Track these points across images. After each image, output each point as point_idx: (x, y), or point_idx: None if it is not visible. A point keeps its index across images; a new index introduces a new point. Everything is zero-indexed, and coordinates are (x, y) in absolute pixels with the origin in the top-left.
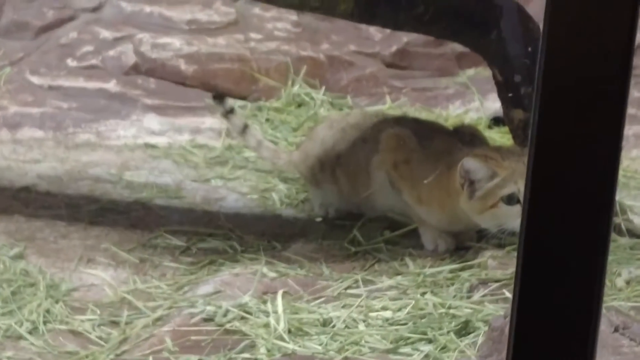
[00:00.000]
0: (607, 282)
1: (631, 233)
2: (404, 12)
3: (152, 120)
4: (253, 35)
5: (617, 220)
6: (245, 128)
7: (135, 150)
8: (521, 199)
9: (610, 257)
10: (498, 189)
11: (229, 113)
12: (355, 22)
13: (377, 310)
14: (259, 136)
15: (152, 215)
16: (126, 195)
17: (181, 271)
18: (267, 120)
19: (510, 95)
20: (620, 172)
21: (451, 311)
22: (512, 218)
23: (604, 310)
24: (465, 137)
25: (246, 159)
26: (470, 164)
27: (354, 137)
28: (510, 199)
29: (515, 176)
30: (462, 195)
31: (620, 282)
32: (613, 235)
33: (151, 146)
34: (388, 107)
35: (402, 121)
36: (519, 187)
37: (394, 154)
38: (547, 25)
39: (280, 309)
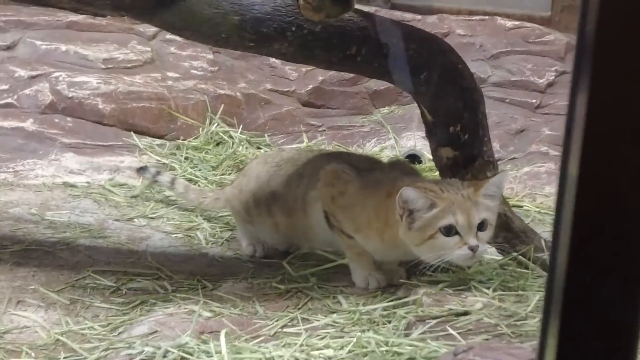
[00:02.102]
0: None
1: None
2: (337, 53)
3: (71, 160)
4: (170, 73)
5: (543, 256)
6: (173, 181)
7: (54, 189)
8: (459, 230)
9: (541, 293)
10: (436, 219)
11: (155, 178)
12: (289, 62)
13: (319, 349)
14: (184, 183)
15: (78, 255)
16: (50, 235)
17: (113, 312)
18: (186, 158)
19: (438, 134)
20: (535, 209)
21: (394, 349)
22: (450, 249)
23: None
24: (402, 171)
25: (167, 197)
26: (409, 193)
27: (289, 173)
28: (448, 230)
29: (454, 207)
30: (400, 225)
31: None
32: (540, 272)
33: (70, 185)
34: (306, 145)
35: (338, 156)
36: (457, 218)
37: (331, 189)
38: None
39: (224, 348)
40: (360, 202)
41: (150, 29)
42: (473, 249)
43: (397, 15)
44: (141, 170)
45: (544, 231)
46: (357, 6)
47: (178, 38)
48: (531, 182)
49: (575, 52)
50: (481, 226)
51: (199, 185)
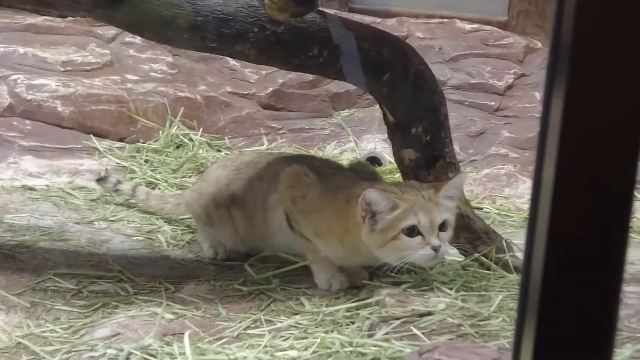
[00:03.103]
0: (506, 318)
1: (517, 269)
2: (299, 54)
3: (30, 162)
4: (129, 76)
5: (505, 257)
6: (134, 189)
7: (13, 192)
8: (422, 230)
9: (504, 294)
10: (399, 221)
11: (116, 187)
12: (252, 63)
13: (283, 350)
14: (145, 190)
15: (38, 258)
16: (9, 238)
17: (75, 314)
18: (146, 161)
19: (400, 135)
20: (495, 211)
21: (358, 349)
22: (413, 250)
23: (507, 345)
24: (362, 173)
25: (127, 199)
26: (372, 195)
27: (249, 176)
28: (411, 231)
29: (416, 208)
30: (363, 228)
31: None
32: (502, 272)
33: (29, 188)
34: (266, 148)
35: (299, 159)
36: (419, 219)
37: (292, 191)
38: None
39: (188, 350)
40: (320, 208)
41: (110, 32)
42: (436, 249)
43: (357, 18)
44: (101, 181)
45: (505, 232)
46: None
47: (137, 40)
48: (491, 184)
49: (549, 56)
50: (442, 226)
51: (159, 189)
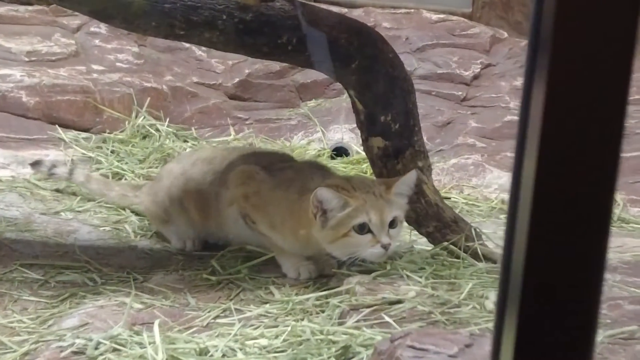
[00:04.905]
0: (477, 305)
1: (487, 258)
2: (268, 42)
3: None
4: (95, 66)
5: (474, 245)
6: (72, 172)
7: None
8: (372, 228)
9: (474, 281)
10: (350, 218)
11: (51, 171)
12: (221, 51)
13: (253, 338)
14: (85, 172)
15: (4, 249)
16: None
17: (42, 305)
18: (113, 152)
19: (369, 124)
20: (462, 201)
21: (329, 337)
22: (363, 247)
23: (477, 332)
24: (313, 168)
25: (90, 196)
26: (323, 193)
27: (203, 172)
28: (361, 228)
29: (367, 206)
30: (314, 224)
31: (489, 304)
32: (471, 260)
33: None
34: (233, 138)
35: (251, 156)
36: (370, 217)
37: (244, 188)
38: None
39: (157, 339)
40: (273, 201)
41: (75, 22)
42: (385, 247)
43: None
44: (35, 164)
45: (473, 222)
46: None
47: (103, 30)
48: (458, 174)
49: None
50: (392, 224)
51: (125, 179)
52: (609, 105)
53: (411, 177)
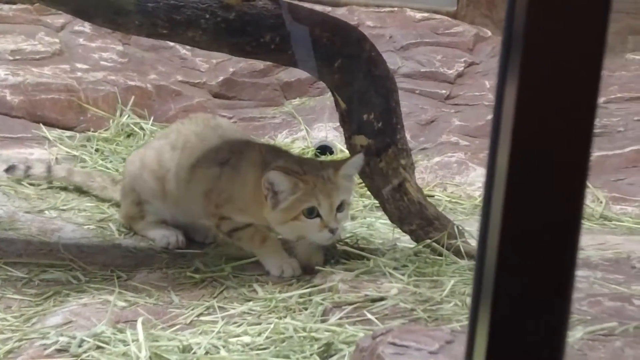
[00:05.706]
0: (458, 302)
1: (469, 255)
2: (250, 41)
3: None
4: (79, 65)
5: (457, 243)
6: (49, 169)
7: None
8: (321, 212)
9: (456, 279)
10: (299, 202)
11: (28, 173)
12: (204, 50)
13: (236, 336)
14: (65, 167)
15: None
16: None
17: (26, 303)
18: (97, 150)
19: (352, 122)
20: (446, 199)
21: (311, 334)
22: (312, 230)
23: (459, 328)
24: (270, 151)
25: (78, 189)
26: (274, 176)
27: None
28: (310, 212)
29: (316, 190)
30: (265, 206)
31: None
32: (454, 258)
33: None
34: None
35: (211, 152)
36: (319, 201)
37: (203, 184)
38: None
39: (141, 336)
40: (233, 189)
41: (59, 21)
42: (333, 231)
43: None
44: (10, 170)
45: (456, 220)
46: None
47: (87, 29)
48: (442, 172)
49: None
50: (340, 207)
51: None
52: (580, 103)
53: (358, 159)
